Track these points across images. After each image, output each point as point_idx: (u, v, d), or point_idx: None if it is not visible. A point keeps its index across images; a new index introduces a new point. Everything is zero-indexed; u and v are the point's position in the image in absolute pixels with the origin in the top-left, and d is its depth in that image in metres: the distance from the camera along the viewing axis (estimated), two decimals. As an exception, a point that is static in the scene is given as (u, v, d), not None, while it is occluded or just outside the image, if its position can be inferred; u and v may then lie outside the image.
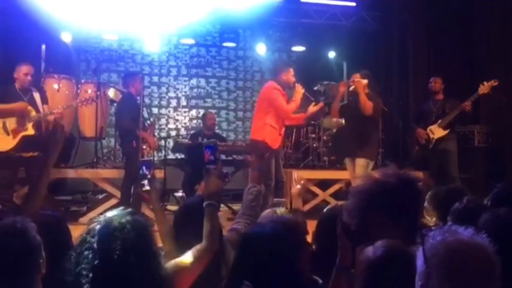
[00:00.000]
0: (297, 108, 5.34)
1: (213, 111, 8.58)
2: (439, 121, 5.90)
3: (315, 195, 6.49)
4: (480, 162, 6.65)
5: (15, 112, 4.91)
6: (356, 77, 5.39)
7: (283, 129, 5.43)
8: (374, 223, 1.76)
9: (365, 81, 5.28)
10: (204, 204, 1.95)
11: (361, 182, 1.93)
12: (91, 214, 5.78)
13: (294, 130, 7.21)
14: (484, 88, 5.67)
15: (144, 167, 2.61)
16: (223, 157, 6.53)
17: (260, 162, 4.83)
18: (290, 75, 5.31)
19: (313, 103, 5.51)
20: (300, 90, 5.28)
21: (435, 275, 1.21)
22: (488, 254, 1.22)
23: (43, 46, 7.25)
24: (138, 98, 5.68)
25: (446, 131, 5.88)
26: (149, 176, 2.61)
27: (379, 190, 1.81)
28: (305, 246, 2.19)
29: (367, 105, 5.16)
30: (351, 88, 5.37)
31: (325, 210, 2.72)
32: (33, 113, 5.00)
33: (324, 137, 7.04)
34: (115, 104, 6.36)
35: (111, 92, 6.32)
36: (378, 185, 1.84)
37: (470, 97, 5.74)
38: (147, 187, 2.59)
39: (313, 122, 7.29)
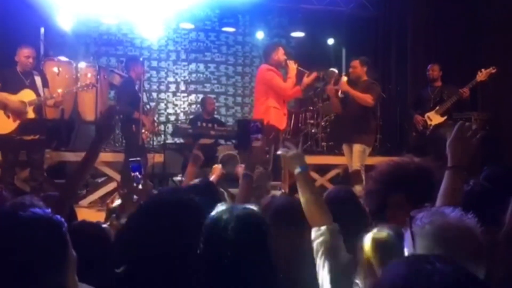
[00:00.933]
0: (294, 84, 5.29)
1: (212, 96, 8.59)
2: (437, 107, 5.94)
3: (313, 180, 6.56)
4: (477, 148, 6.70)
5: (9, 107, 4.90)
6: (355, 62, 5.42)
7: (286, 108, 5.42)
8: (393, 204, 1.81)
9: (345, 78, 5.33)
10: (243, 174, 2.35)
11: (382, 166, 1.98)
12: (91, 197, 5.86)
13: (293, 115, 7.25)
14: (482, 75, 5.70)
15: (133, 168, 2.49)
16: (221, 142, 6.57)
17: (267, 144, 4.86)
18: (280, 53, 5.25)
19: (307, 74, 5.43)
20: (292, 65, 5.23)
21: None
22: (476, 235, 1.25)
23: (42, 29, 7.22)
24: (137, 82, 5.70)
25: (444, 118, 5.92)
26: (140, 178, 2.53)
27: (401, 174, 1.87)
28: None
29: (365, 99, 5.21)
30: (340, 94, 5.41)
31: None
32: (34, 96, 5.02)
33: (323, 123, 7.09)
34: (114, 88, 6.37)
35: (115, 79, 6.33)
36: (399, 169, 1.89)
37: (468, 84, 5.78)
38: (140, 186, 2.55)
39: (311, 108, 7.33)
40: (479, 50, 7.17)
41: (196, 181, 2.78)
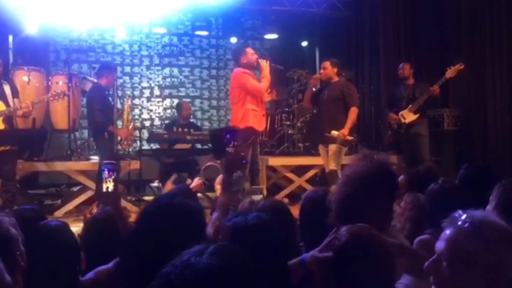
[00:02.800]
0: (269, 82, 5.21)
1: (187, 100, 8.55)
2: (410, 106, 6.04)
3: (291, 181, 6.58)
4: (450, 144, 6.84)
5: None
6: (326, 64, 5.46)
7: (264, 109, 5.36)
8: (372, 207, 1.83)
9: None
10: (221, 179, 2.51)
11: (348, 170, 1.99)
12: (66, 207, 5.75)
13: (269, 117, 7.26)
14: (451, 72, 5.83)
15: (106, 170, 2.48)
16: (198, 146, 6.54)
17: (245, 149, 4.84)
18: (249, 55, 5.15)
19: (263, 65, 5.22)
20: (264, 63, 5.15)
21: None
22: None
23: (10, 37, 7.07)
24: (107, 92, 5.62)
25: (417, 116, 6.02)
26: (110, 181, 2.54)
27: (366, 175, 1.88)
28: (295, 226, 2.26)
29: (354, 116, 5.31)
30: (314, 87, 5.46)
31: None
32: (3, 107, 4.90)
33: (299, 124, 7.12)
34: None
35: (87, 87, 6.24)
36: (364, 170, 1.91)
37: (437, 82, 5.89)
38: (108, 189, 2.53)
39: (287, 109, 7.35)
40: (449, 47, 7.31)
41: (173, 187, 2.80)
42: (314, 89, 5.63)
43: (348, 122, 5.27)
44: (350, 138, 5.34)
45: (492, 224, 1.25)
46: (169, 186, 3.05)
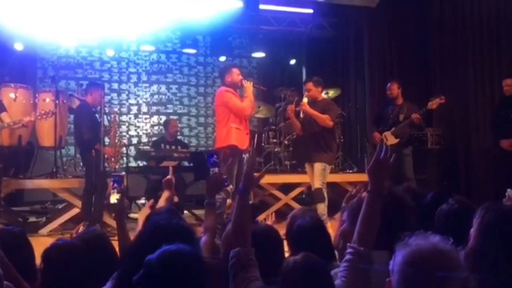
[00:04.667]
0: (252, 102, 5.26)
1: (175, 117, 8.57)
2: (392, 129, 6.13)
3: (277, 199, 6.60)
4: (433, 163, 6.95)
5: None
6: (309, 85, 5.52)
7: (248, 127, 5.38)
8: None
9: (305, 100, 5.42)
10: (205, 203, 2.52)
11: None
12: (51, 225, 5.69)
13: (256, 135, 7.31)
14: (432, 104, 5.99)
15: (114, 182, 2.58)
16: (185, 163, 6.55)
17: (228, 168, 4.86)
18: (234, 75, 5.19)
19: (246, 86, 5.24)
20: (248, 84, 5.19)
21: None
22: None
23: (-3, 54, 7.07)
24: (94, 109, 5.63)
25: (397, 140, 6.10)
26: (117, 191, 2.58)
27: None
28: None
29: (325, 120, 5.31)
30: (301, 115, 5.49)
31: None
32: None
33: (285, 142, 7.17)
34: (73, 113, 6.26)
35: (74, 104, 6.25)
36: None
37: (419, 111, 5.99)
38: (114, 201, 2.58)
39: (274, 127, 7.41)
40: (433, 65, 7.48)
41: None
42: (298, 117, 5.63)
43: (311, 111, 5.32)
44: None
45: (419, 250, 1.30)
46: (146, 210, 3.01)
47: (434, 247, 1.30)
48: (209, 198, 2.56)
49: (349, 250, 1.73)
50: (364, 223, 1.73)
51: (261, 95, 5.56)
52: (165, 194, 2.95)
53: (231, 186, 4.94)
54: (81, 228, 4.76)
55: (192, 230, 1.78)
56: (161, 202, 2.97)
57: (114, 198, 2.53)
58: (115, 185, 2.56)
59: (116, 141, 5.86)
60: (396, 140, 6.09)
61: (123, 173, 2.69)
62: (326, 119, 5.32)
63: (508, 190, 3.22)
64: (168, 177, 2.87)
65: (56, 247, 2.04)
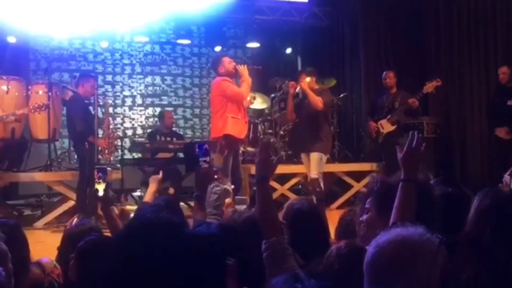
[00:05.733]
0: (250, 85, 5.17)
1: (170, 108, 8.51)
2: (389, 116, 6.11)
3: (273, 189, 6.59)
4: (430, 151, 6.94)
5: None
6: (302, 76, 5.51)
7: (246, 116, 5.33)
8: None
9: (308, 79, 5.39)
10: (193, 195, 2.47)
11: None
12: (46, 218, 5.67)
13: (251, 125, 7.27)
14: (428, 87, 5.96)
15: (99, 173, 2.56)
16: (181, 155, 6.52)
17: (223, 160, 4.82)
18: (226, 63, 5.14)
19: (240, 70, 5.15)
20: (242, 68, 5.13)
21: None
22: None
23: (-11, 46, 7.00)
24: (87, 101, 5.58)
25: (394, 127, 6.09)
26: (101, 182, 2.56)
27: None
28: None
29: (317, 101, 5.30)
30: (297, 90, 5.50)
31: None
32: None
33: (281, 132, 7.15)
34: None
35: (68, 96, 6.19)
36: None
37: (415, 95, 5.98)
38: (102, 192, 2.56)
39: (269, 118, 7.38)
40: (429, 54, 7.45)
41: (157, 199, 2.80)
42: (295, 98, 5.66)
43: (308, 90, 5.33)
44: None
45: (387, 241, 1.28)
46: (150, 188, 3.02)
47: (401, 238, 1.28)
48: (198, 190, 2.49)
49: None
50: (399, 212, 1.72)
51: (255, 82, 5.49)
52: (152, 188, 2.96)
53: (229, 184, 4.91)
54: (75, 221, 4.72)
55: (181, 224, 1.71)
56: (148, 196, 2.97)
57: (101, 188, 2.51)
58: (100, 174, 2.54)
59: (110, 132, 5.82)
60: (392, 127, 6.08)
61: (108, 168, 2.70)
62: (318, 101, 5.32)
63: (505, 175, 3.20)
64: (158, 176, 2.89)
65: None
